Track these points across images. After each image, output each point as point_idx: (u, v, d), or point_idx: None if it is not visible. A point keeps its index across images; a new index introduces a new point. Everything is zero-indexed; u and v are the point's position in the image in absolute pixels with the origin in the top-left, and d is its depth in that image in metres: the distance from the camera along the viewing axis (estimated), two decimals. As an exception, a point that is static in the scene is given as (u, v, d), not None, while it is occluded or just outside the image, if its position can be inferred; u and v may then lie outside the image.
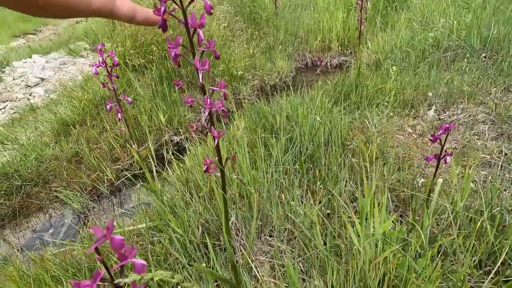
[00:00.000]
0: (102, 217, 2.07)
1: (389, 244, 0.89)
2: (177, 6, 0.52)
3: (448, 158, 0.85)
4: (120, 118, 1.15)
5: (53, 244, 1.79)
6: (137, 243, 1.43)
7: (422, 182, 1.53)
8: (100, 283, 0.35)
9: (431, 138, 0.85)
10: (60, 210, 2.13)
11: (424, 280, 0.79)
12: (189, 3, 0.53)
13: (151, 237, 1.41)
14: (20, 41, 6.82)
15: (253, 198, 1.36)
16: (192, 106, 0.65)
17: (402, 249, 0.92)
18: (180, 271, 1.14)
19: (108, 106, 1.13)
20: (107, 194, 2.21)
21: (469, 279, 0.88)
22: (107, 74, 1.08)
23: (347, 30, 4.82)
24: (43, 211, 2.14)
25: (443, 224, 0.96)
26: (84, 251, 1.39)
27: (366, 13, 2.43)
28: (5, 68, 4.72)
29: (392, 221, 1.25)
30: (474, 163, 1.65)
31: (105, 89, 3.02)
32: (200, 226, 1.24)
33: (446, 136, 0.83)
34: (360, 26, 2.45)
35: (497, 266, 0.81)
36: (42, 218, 2.08)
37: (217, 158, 0.72)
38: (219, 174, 0.74)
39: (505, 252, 0.86)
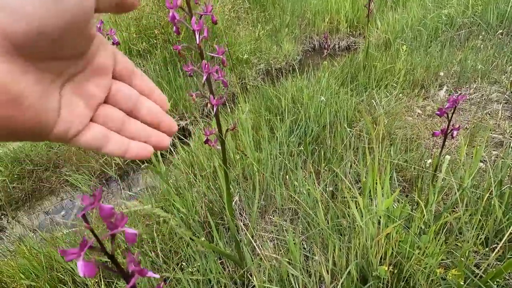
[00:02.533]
0: (111, 200, 2.12)
1: (392, 221, 0.88)
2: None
3: (455, 132, 0.82)
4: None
5: (64, 225, 1.84)
6: (143, 223, 1.46)
7: (430, 162, 1.50)
8: (89, 252, 0.34)
9: (437, 112, 0.82)
10: (70, 193, 2.18)
11: (427, 256, 0.78)
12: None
13: (157, 217, 1.44)
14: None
15: (256, 178, 1.36)
16: (191, 75, 0.64)
17: (406, 226, 0.91)
18: (185, 249, 1.16)
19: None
20: (115, 177, 2.25)
21: (474, 256, 0.87)
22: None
23: (356, 11, 4.66)
24: (54, 194, 2.20)
25: (449, 201, 0.94)
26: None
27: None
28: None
29: (397, 199, 1.23)
30: (485, 142, 1.60)
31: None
32: (203, 206, 1.25)
33: (454, 109, 0.79)
34: (370, 3, 2.35)
35: (502, 243, 0.79)
36: (54, 201, 2.15)
37: (217, 129, 0.71)
38: (220, 147, 0.73)
39: (513, 229, 0.83)
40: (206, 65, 0.60)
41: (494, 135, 1.65)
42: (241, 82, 3.58)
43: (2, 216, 2.04)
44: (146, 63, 3.04)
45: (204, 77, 0.61)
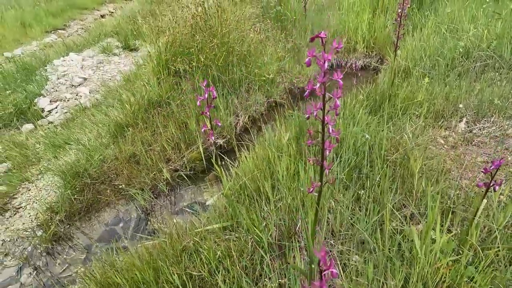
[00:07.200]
0: (163, 212, 2.35)
1: (445, 254, 1.11)
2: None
3: (497, 187, 1.05)
4: (213, 140, 1.39)
5: (127, 238, 2.08)
6: (211, 239, 1.69)
7: (457, 194, 1.74)
8: None
9: (483, 170, 1.06)
10: (125, 206, 2.42)
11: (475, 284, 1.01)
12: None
13: (224, 235, 1.67)
14: (52, 36, 7.11)
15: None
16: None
17: (455, 260, 1.14)
18: (259, 265, 1.40)
19: (202, 130, 1.37)
20: (165, 192, 2.48)
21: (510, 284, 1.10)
22: (206, 105, 1.31)
23: (373, 32, 4.91)
24: (110, 206, 2.43)
25: (488, 239, 1.18)
26: (164, 245, 1.67)
27: (403, 28, 2.57)
28: (46, 66, 5.02)
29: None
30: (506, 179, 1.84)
31: (151, 93, 3.28)
32: (275, 229, 1.48)
33: (496, 170, 1.03)
34: (397, 41, 2.59)
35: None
36: (111, 213, 2.38)
37: (319, 183, 0.96)
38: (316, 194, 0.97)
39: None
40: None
41: (512, 170, 1.89)
42: (267, 100, 3.83)
43: (68, 226, 2.27)
44: (185, 83, 3.28)
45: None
